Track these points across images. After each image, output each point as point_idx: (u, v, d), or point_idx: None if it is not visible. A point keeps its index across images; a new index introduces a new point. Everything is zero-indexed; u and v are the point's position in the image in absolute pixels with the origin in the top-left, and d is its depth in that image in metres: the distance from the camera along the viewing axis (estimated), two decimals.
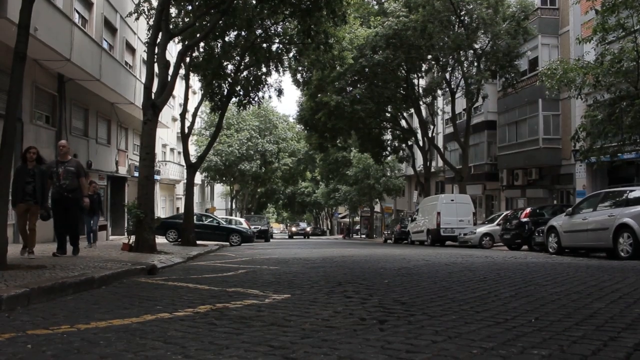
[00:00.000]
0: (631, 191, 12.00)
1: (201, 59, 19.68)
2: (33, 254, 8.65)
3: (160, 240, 16.99)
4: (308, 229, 60.97)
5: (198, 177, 39.13)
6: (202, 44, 18.66)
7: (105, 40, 20.44)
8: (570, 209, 14.05)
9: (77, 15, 17.78)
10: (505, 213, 21.83)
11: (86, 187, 9.06)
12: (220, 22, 16.47)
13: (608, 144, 16.11)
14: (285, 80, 57.53)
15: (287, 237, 59.02)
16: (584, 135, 16.27)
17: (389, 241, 35.29)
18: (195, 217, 21.45)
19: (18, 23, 7.02)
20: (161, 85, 13.33)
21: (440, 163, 34.25)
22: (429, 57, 27.38)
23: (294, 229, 59.64)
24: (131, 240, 12.41)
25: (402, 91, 30.10)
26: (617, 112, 15.07)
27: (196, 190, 40.80)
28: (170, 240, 21.11)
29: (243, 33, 19.33)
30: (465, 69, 26.09)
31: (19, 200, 8.64)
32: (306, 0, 15.82)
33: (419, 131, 32.34)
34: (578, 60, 16.43)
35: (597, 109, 16.16)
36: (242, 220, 32.14)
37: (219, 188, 60.23)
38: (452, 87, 27.73)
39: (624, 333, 3.08)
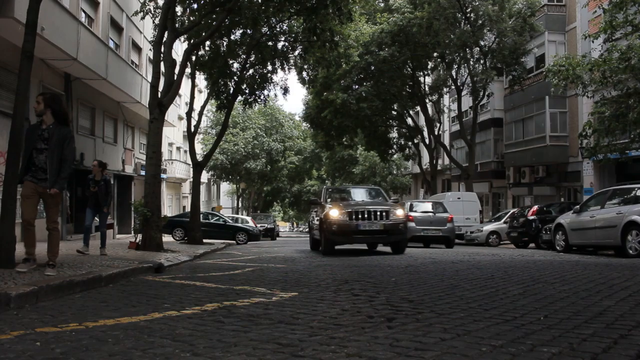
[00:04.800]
0: (639, 188, 11.92)
1: (207, 57, 19.72)
2: (54, 268, 5.97)
3: (167, 238, 17.05)
4: (402, 211, 12.33)
5: (204, 176, 39.25)
6: (208, 43, 18.69)
7: (112, 40, 20.50)
8: (578, 206, 13.98)
9: (83, 15, 17.84)
10: (512, 211, 21.76)
11: None
12: (226, 20, 16.49)
13: (615, 141, 16.02)
14: (291, 78, 58.63)
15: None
16: (590, 132, 16.18)
17: None
18: (201, 215, 21.51)
19: (25, 23, 7.05)
20: (167, 84, 13.37)
21: (447, 161, 34.15)
22: (435, 54, 27.29)
23: (338, 214, 11.65)
24: (138, 239, 12.47)
25: (408, 89, 30.02)
26: (624, 109, 14.97)
27: (202, 188, 40.92)
28: (177, 238, 21.17)
29: (249, 31, 19.36)
30: (471, 66, 25.99)
31: (26, 177, 6.00)
32: None
33: (425, 129, 32.25)
34: (584, 57, 16.33)
35: (604, 106, 16.07)
36: (249, 218, 32.22)
37: (225, 186, 60.37)
38: (458, 84, 27.64)
39: (635, 331, 3.05)
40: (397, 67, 27.08)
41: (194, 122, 20.73)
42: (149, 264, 7.78)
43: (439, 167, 34.61)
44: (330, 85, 27.97)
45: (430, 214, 18.16)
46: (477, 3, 24.47)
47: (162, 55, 13.47)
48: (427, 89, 30.44)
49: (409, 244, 15.00)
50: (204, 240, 19.24)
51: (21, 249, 6.24)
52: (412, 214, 17.83)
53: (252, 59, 20.43)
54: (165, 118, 14.72)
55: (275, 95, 62.65)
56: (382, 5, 28.72)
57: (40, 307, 4.23)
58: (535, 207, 18.35)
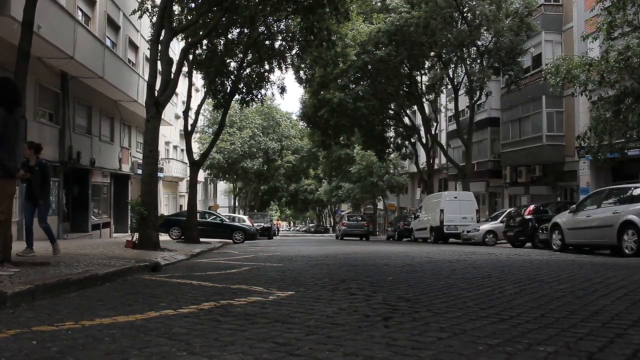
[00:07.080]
0: (635, 188, 11.95)
1: (204, 56, 19.69)
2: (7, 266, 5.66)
3: (163, 237, 17.00)
4: None
5: (201, 175, 39.18)
6: (205, 42, 18.67)
7: (109, 38, 20.45)
8: (574, 206, 14.01)
9: (80, 13, 17.80)
10: (508, 210, 21.78)
11: None
12: (223, 19, 16.47)
13: (615, 141, 16.02)
14: (288, 77, 58.49)
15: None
16: (593, 135, 16.17)
17: (391, 239, 35.26)
18: (198, 214, 21.47)
19: (22, 21, 7.04)
20: (164, 83, 13.35)
21: (444, 160, 34.18)
22: (432, 53, 27.30)
23: None
24: (135, 238, 12.44)
25: (405, 88, 30.03)
26: (624, 110, 15.00)
27: (199, 187, 40.79)
28: (174, 237, 21.12)
29: (246, 30, 19.33)
30: (468, 65, 26.02)
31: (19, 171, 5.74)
32: None
33: (422, 128, 32.27)
34: (582, 58, 16.34)
35: (602, 107, 16.07)
36: (245, 217, 32.17)
37: (222, 185, 60.27)
38: (455, 84, 27.66)
39: (631, 330, 3.06)
40: (394, 67, 27.09)
41: (190, 121, 20.70)
42: (146, 263, 7.77)
43: (435, 167, 34.64)
44: (327, 84, 27.97)
45: (355, 222, 34.09)
46: (474, 2, 24.50)
47: (159, 53, 13.45)
48: (424, 88, 30.45)
49: (345, 237, 32.77)
50: (201, 239, 19.20)
51: (17, 248, 6.21)
52: (346, 222, 34.30)
53: (249, 58, 20.41)
54: (162, 117, 14.69)
55: (273, 95, 62.77)
56: (379, 4, 28.73)
57: (36, 306, 4.22)
58: (531, 207, 18.38)
